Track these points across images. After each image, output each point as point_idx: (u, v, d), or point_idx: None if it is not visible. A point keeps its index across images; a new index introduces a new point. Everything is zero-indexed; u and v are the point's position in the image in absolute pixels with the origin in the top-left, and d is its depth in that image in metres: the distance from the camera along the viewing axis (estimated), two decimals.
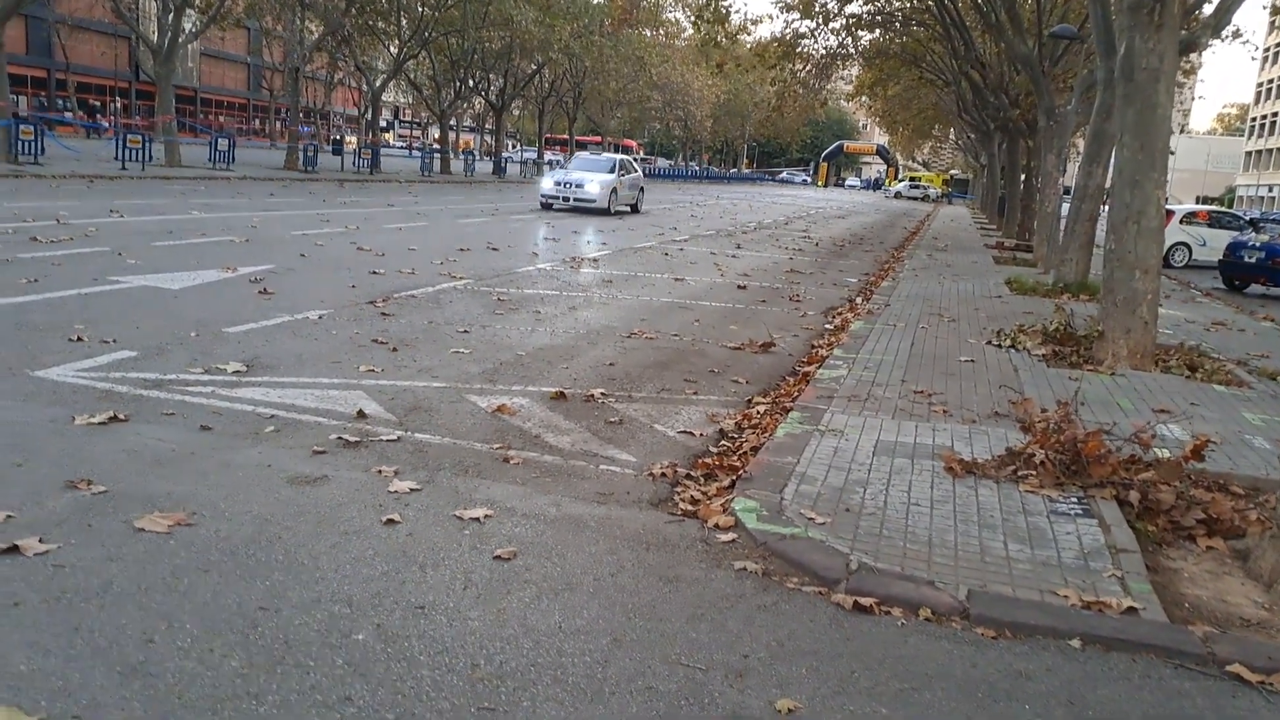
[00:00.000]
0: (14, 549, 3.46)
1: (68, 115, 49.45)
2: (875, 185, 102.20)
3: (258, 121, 71.31)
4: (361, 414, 5.47)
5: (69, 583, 3.28)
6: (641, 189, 28.89)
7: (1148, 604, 3.66)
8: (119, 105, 56.50)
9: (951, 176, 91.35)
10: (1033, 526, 4.38)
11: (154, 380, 5.84)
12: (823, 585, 3.67)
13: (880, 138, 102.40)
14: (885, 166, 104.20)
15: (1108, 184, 11.15)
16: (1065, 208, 16.20)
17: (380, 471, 4.56)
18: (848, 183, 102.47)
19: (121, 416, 5.06)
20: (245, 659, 2.90)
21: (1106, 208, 10.04)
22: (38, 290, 8.34)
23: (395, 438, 5.12)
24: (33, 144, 24.71)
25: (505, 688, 2.83)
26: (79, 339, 6.68)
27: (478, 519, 4.06)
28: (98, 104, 56.49)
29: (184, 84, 57.75)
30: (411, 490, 4.34)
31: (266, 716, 2.63)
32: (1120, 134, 8.76)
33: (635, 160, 28.90)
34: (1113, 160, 9.36)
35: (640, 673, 2.97)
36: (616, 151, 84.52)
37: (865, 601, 3.51)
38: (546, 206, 25.53)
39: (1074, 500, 4.72)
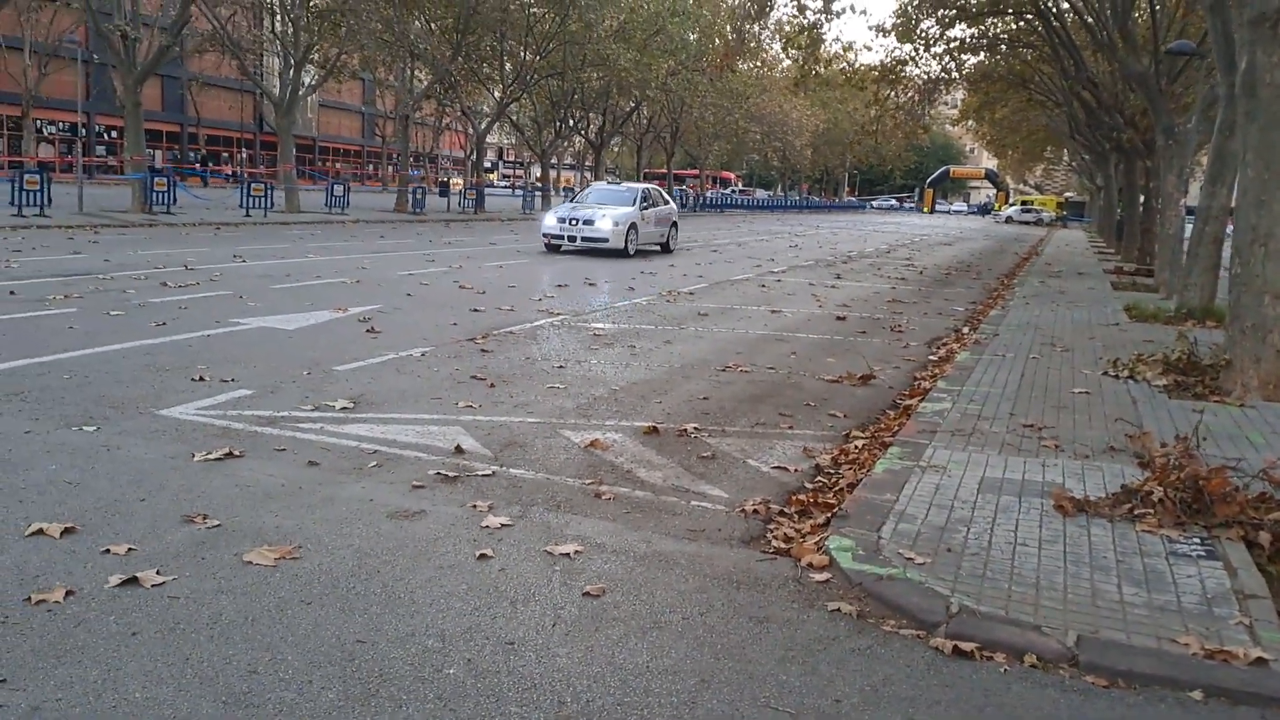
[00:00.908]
0: (134, 580, 3.65)
1: (198, 168, 52.46)
2: (984, 210, 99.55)
3: (371, 167, 74.22)
4: (459, 449, 5.59)
5: (182, 614, 3.43)
6: (674, 224, 23.84)
7: (1279, 655, 3.42)
8: (245, 155, 59.74)
9: (1066, 199, 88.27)
10: (1150, 569, 4.15)
11: (267, 417, 6.10)
12: (921, 628, 3.55)
13: (989, 161, 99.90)
14: (995, 190, 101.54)
15: (1232, 204, 10.61)
16: (1188, 230, 15.47)
17: (475, 506, 4.64)
18: (953, 208, 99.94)
19: (236, 453, 5.29)
20: (342, 691, 2.98)
21: (1231, 229, 9.55)
22: (166, 333, 8.82)
23: (490, 473, 5.20)
24: (165, 194, 26.30)
25: None
26: (201, 378, 7.04)
27: (568, 555, 4.09)
28: (225, 154, 59.79)
29: (303, 134, 60.65)
30: (504, 525, 4.40)
31: None
32: (1243, 152, 8.33)
33: (662, 191, 25.01)
34: (1237, 180, 8.91)
35: (728, 715, 2.92)
36: (716, 184, 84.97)
37: (966, 646, 3.38)
38: (553, 248, 21.06)
39: (1196, 541, 4.46)
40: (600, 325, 10.84)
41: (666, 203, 24.04)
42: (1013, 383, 8.27)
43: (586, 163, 71.62)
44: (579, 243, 20.55)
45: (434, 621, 3.45)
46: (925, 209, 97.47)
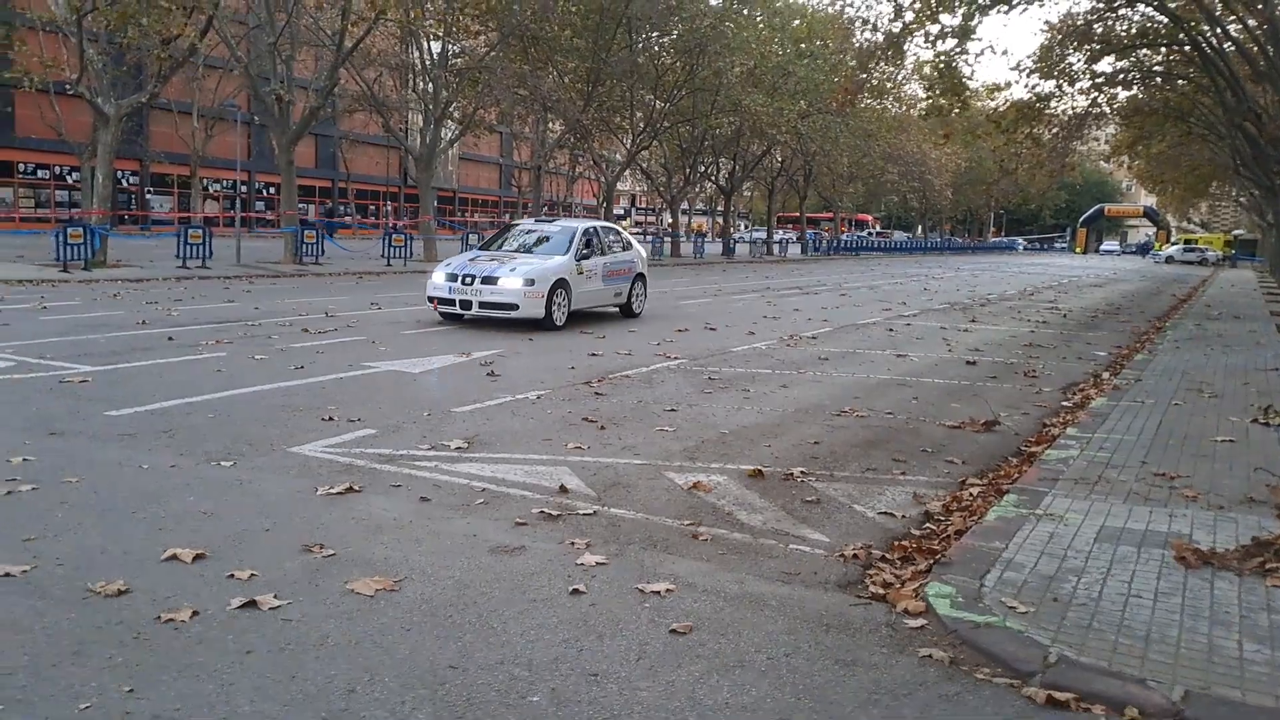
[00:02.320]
0: (253, 603, 3.91)
1: (347, 219, 55.59)
2: (1144, 249, 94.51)
3: (507, 215, 76.97)
4: (563, 489, 5.74)
5: (293, 635, 3.66)
6: (639, 277, 16.70)
7: None
8: (390, 208, 62.96)
9: (1235, 237, 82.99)
10: (1276, 625, 3.88)
11: (387, 455, 6.41)
12: (1015, 677, 3.44)
13: (1148, 199, 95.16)
14: (1154, 229, 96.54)
15: None
16: None
17: (573, 544, 4.76)
18: (1102, 248, 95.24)
19: (356, 488, 5.59)
20: (432, 713, 3.11)
21: None
22: (302, 376, 9.40)
23: (592, 512, 5.32)
24: (314, 246, 28.02)
25: None
26: (330, 418, 7.46)
27: (659, 593, 4.14)
28: (372, 207, 63.17)
29: (444, 185, 63.56)
30: (599, 563, 4.49)
31: None
32: None
33: (622, 229, 18.01)
34: None
35: None
36: (851, 227, 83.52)
37: (1061, 696, 3.26)
38: (451, 317, 14.45)
39: None
40: (717, 370, 10.89)
41: (626, 247, 16.69)
42: (1149, 430, 7.87)
43: (717, 208, 72.29)
44: (476, 310, 13.82)
45: (523, 651, 3.56)
46: (1077, 249, 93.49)
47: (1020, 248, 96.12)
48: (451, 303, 13.94)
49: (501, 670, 3.40)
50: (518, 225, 16.89)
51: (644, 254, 17.35)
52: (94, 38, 23.08)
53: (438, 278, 14.19)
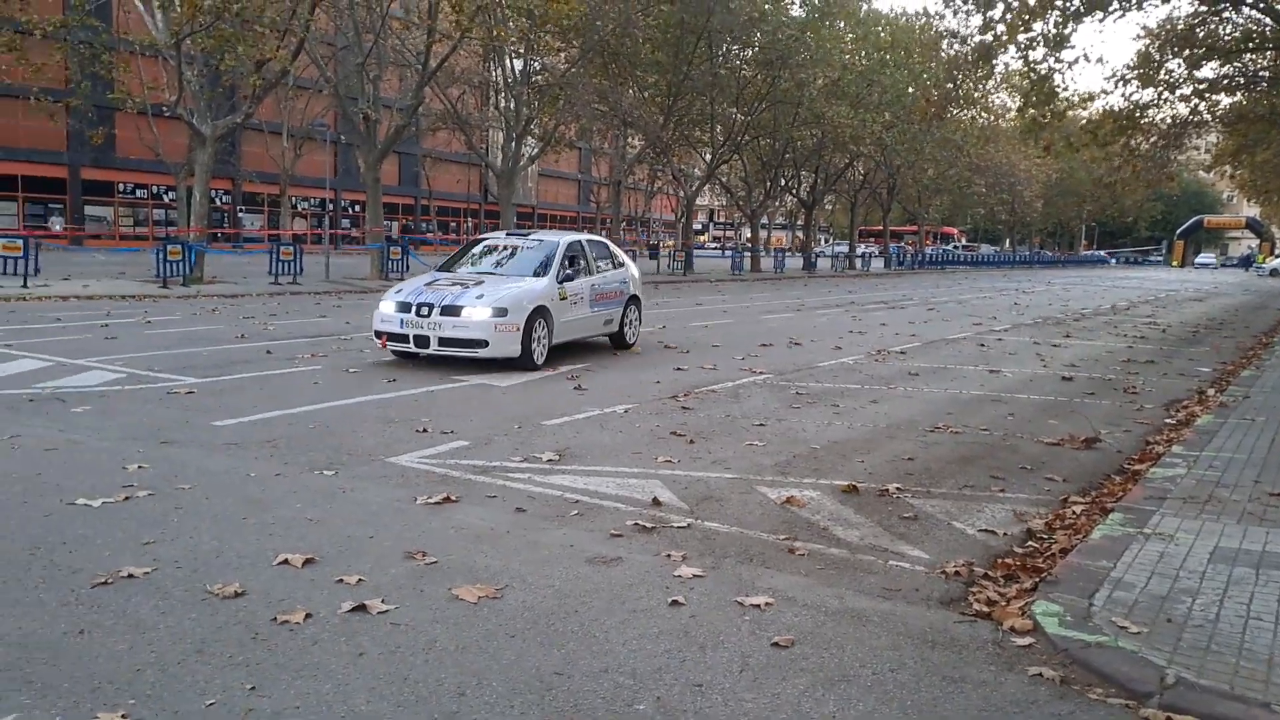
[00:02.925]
0: (362, 607, 4.03)
1: (428, 236, 56.79)
2: (1245, 262, 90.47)
3: (585, 230, 77.80)
4: (656, 501, 5.77)
5: (402, 639, 3.76)
6: (633, 299, 14.00)
7: None
8: (470, 225, 64.17)
9: None
10: None
11: (481, 466, 6.54)
12: (1131, 698, 3.34)
13: (1250, 209, 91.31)
14: (1258, 240, 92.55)
15: None
16: None
17: (669, 556, 4.78)
18: (1197, 260, 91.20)
19: (453, 498, 5.72)
20: (540, 717, 3.17)
21: None
22: (395, 389, 9.65)
23: (686, 525, 5.34)
24: (399, 262, 28.72)
25: None
26: (424, 430, 7.64)
27: (758, 606, 4.14)
28: (453, 224, 64.45)
29: (523, 202, 64.54)
30: (696, 575, 4.51)
31: None
32: None
33: (608, 244, 14.39)
34: None
35: None
36: (936, 240, 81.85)
37: (1181, 719, 3.15)
38: (401, 355, 11.73)
39: None
40: (804, 384, 10.81)
41: (617, 265, 13.87)
42: (1261, 448, 7.55)
43: (798, 222, 71.80)
44: (435, 348, 11.03)
45: (626, 660, 3.59)
46: (1174, 262, 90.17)
47: (1111, 262, 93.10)
48: (404, 339, 11.01)
49: (606, 678, 3.44)
50: (486, 240, 13.56)
51: (636, 273, 14.44)
52: (191, 61, 24.07)
53: (386, 307, 11.21)
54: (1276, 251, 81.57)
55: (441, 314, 10.89)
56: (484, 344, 10.78)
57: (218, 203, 47.97)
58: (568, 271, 12.24)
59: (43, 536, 4.85)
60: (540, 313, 11.36)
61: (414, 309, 11.04)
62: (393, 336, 11.18)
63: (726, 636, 3.82)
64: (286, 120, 45.74)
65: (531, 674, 3.47)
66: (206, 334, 13.93)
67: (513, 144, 33.43)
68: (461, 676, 3.45)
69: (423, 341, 10.98)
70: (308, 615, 3.95)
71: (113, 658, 3.55)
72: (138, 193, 46.61)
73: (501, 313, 10.83)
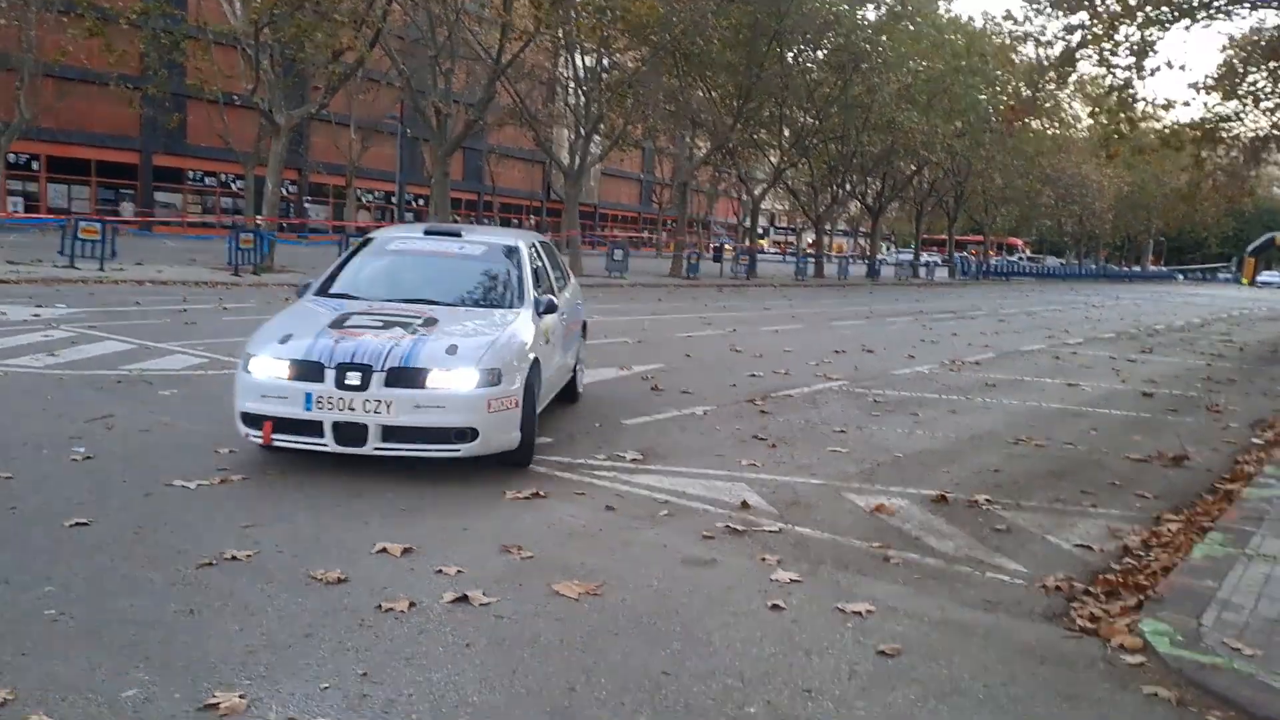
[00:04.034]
0: (464, 599, 4.09)
1: None
2: None
3: (646, 232, 77.80)
4: (745, 505, 5.76)
5: (507, 631, 3.81)
6: (583, 327, 9.68)
7: None
8: (532, 222, 64.64)
9: None
10: None
11: (567, 464, 6.59)
12: None
13: None
14: None
15: None
16: None
17: (764, 560, 4.77)
18: (1260, 279, 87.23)
19: (541, 494, 5.77)
20: (652, 715, 3.18)
21: None
22: None
23: (777, 529, 5.32)
24: None
25: None
26: None
27: (859, 613, 4.11)
28: (515, 220, 64.94)
29: (585, 200, 64.69)
30: (793, 580, 4.50)
31: None
32: None
33: (546, 248, 8.71)
34: None
35: None
36: (1001, 250, 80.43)
37: None
38: (306, 451, 6.15)
39: None
40: (880, 392, 10.71)
41: (565, 276, 9.34)
42: None
43: (860, 229, 71.10)
44: (376, 442, 5.88)
45: (732, 663, 3.60)
46: (1245, 280, 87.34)
47: (1179, 279, 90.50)
48: (313, 429, 5.94)
49: (714, 680, 3.45)
50: (390, 241, 8.00)
51: (576, 285, 9.82)
52: (267, 50, 24.47)
53: (268, 368, 6.07)
54: None
55: (388, 382, 5.83)
56: (471, 434, 5.91)
57: (285, 193, 48.91)
58: (545, 297, 7.30)
59: (145, 517, 4.99)
60: (534, 371, 6.62)
61: (332, 373, 5.86)
62: (290, 425, 5.94)
63: (831, 643, 3.81)
64: (355, 112, 46.38)
65: (639, 672, 3.49)
66: None
67: (581, 141, 33.53)
68: (570, 672, 3.48)
69: (353, 434, 5.85)
70: (411, 604, 4.02)
71: (225, 638, 3.64)
72: (206, 180, 47.62)
73: (493, 377, 5.98)
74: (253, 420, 5.94)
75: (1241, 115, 24.87)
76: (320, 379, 5.81)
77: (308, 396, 5.79)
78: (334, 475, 5.95)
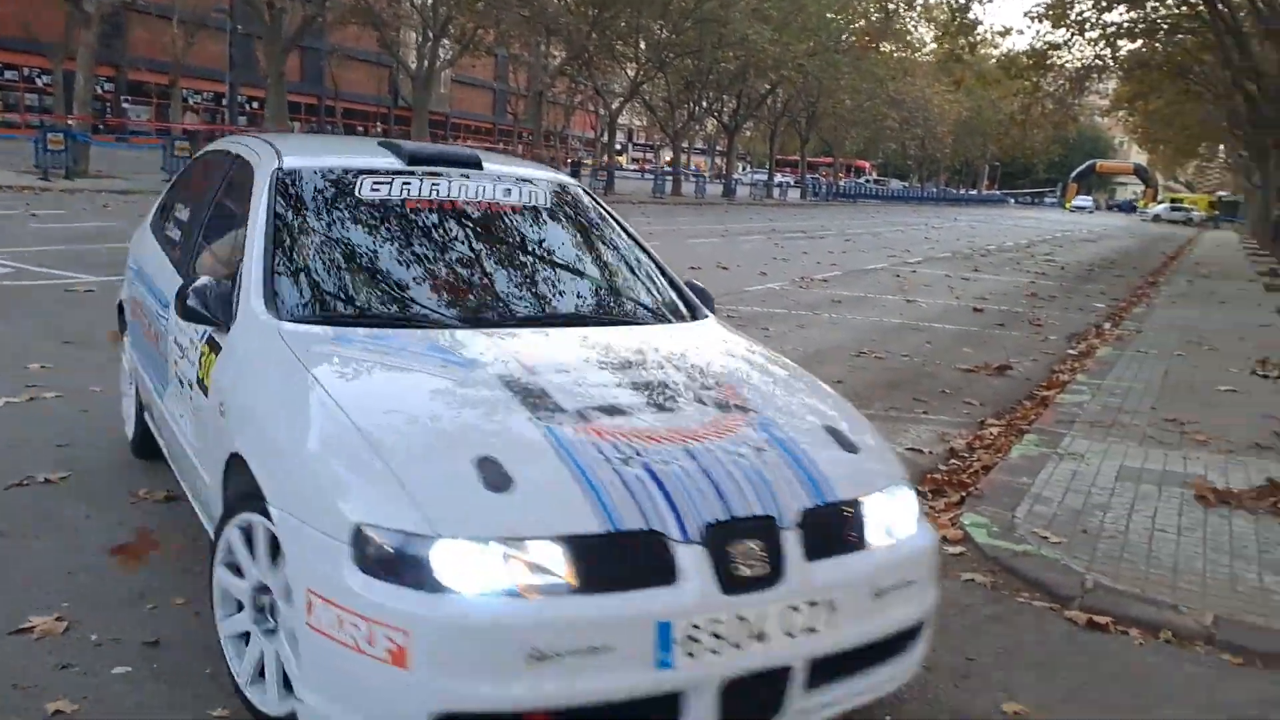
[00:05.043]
0: None
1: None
2: (1129, 207, 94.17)
3: (501, 144, 76.02)
4: None
5: None
6: None
7: None
8: (380, 130, 61.96)
9: (1219, 199, 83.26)
10: None
11: None
12: (1056, 601, 3.64)
13: (1139, 156, 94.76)
14: (1143, 187, 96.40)
15: None
16: None
17: None
18: (1074, 204, 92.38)
19: None
20: None
21: None
22: None
23: None
24: None
25: None
26: None
27: None
28: (361, 128, 62.00)
29: (437, 109, 62.35)
30: None
31: None
32: None
33: None
34: None
35: None
36: (850, 173, 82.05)
37: (1101, 619, 3.45)
38: None
39: None
40: (733, 308, 10.96)
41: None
42: (1155, 378, 8.10)
43: (718, 147, 71.57)
44: (798, 711, 2.34)
45: None
46: (1068, 204, 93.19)
47: (1010, 202, 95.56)
48: (657, 708, 2.18)
49: None
50: (311, 175, 3.54)
51: None
52: None
53: (499, 571, 2.13)
54: (1159, 198, 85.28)
55: (811, 548, 2.37)
56: (916, 635, 2.63)
57: (100, 91, 44.93)
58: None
59: None
60: None
61: (701, 555, 2.24)
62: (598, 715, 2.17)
63: None
64: (178, 3, 42.66)
65: None
66: (102, 230, 13.22)
67: (429, 44, 32.11)
68: None
69: (760, 699, 2.30)
70: None
71: (39, 558, 3.45)
72: (6, 74, 43.14)
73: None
74: None
75: (1069, 44, 26.24)
76: (671, 576, 2.22)
77: (661, 633, 2.17)
78: None
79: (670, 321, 3.56)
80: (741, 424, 2.63)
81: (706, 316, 3.68)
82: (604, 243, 3.95)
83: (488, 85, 72.44)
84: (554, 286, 3.58)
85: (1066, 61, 28.08)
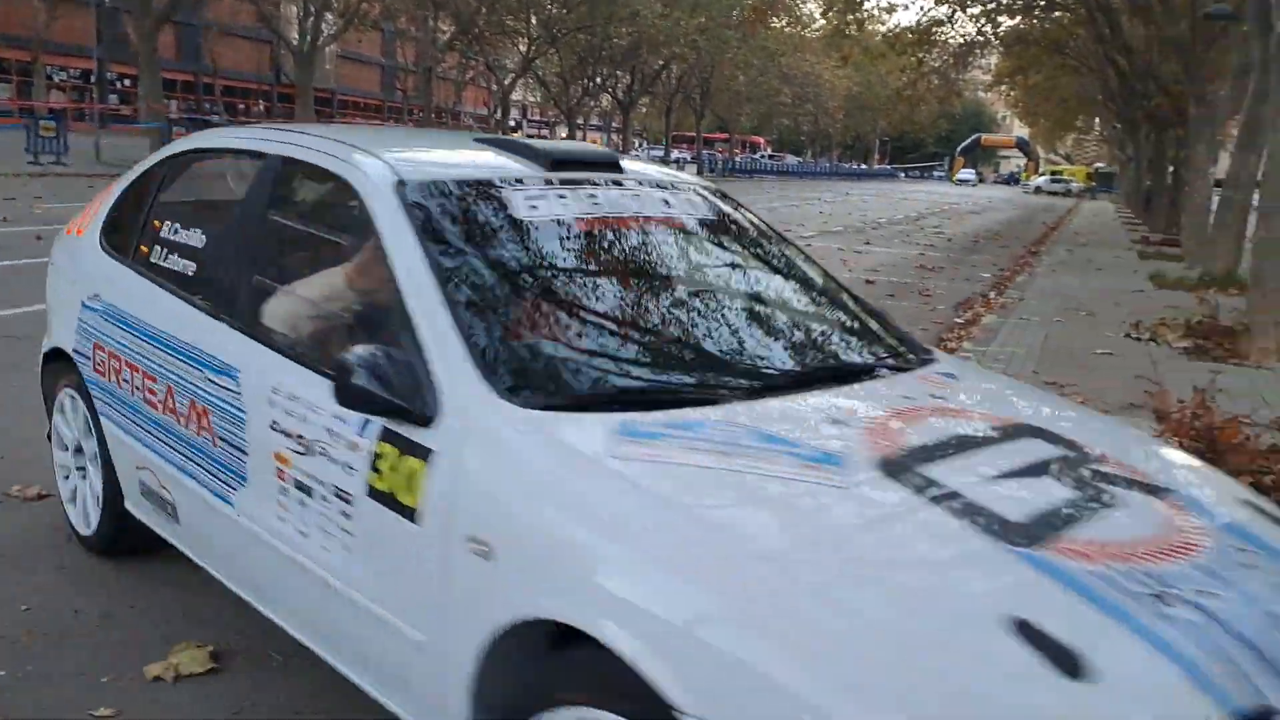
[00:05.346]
0: None
1: (214, 119, 52.44)
2: (1012, 180, 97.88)
3: (390, 121, 74.08)
4: None
5: None
6: None
7: None
8: (262, 108, 59.63)
9: (1096, 170, 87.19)
10: None
11: None
12: None
13: (1021, 130, 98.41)
14: (1025, 160, 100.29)
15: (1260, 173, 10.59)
16: (1215, 201, 15.40)
17: None
18: (957, 177, 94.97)
19: None
20: None
21: (1258, 198, 9.55)
22: None
23: None
24: None
25: None
26: None
27: None
28: (242, 106, 59.47)
29: (322, 85, 60.34)
30: None
31: None
32: (1277, 118, 8.33)
33: None
34: (1266, 147, 8.91)
35: None
36: (745, 149, 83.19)
37: None
38: None
39: None
40: None
41: None
42: (1036, 344, 8.42)
43: (614, 124, 71.31)
44: None
45: None
46: (954, 178, 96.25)
47: (900, 176, 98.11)
48: None
49: None
50: (440, 192, 2.45)
51: None
52: None
53: None
54: (1041, 170, 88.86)
55: None
56: None
57: None
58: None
59: None
60: None
61: None
62: None
63: None
64: None
65: None
66: None
67: (310, 20, 31.07)
68: None
69: None
70: None
71: None
72: None
73: None
74: None
75: (952, 20, 26.97)
76: None
77: None
78: (30, 386, 5.33)
79: (913, 367, 2.67)
80: (1186, 512, 1.99)
81: (932, 353, 2.85)
82: (789, 264, 3.11)
83: (375, 61, 70.45)
84: (778, 329, 2.76)
85: (950, 37, 28.89)
